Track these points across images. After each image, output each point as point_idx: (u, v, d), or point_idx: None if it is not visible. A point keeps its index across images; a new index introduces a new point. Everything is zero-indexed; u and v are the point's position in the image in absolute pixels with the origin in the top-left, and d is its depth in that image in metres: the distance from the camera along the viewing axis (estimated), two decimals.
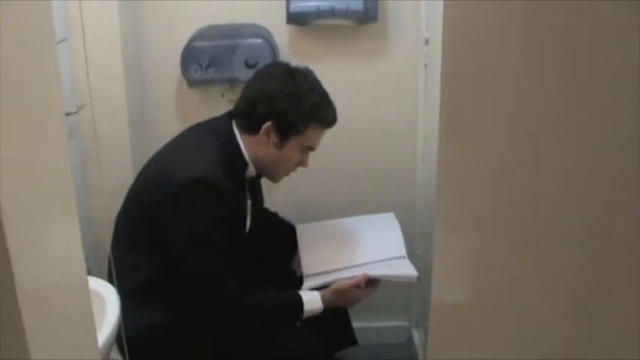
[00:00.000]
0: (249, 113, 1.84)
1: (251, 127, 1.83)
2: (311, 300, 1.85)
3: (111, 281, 1.81)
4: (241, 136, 1.84)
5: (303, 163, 1.92)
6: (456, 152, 0.86)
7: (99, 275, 2.01)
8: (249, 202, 1.94)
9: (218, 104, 2.00)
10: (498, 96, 0.69)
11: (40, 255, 0.82)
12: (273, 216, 2.24)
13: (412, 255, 2.05)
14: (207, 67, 2.20)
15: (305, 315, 1.84)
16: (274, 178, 1.96)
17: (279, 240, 2.16)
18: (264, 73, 1.90)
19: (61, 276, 0.92)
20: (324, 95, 1.88)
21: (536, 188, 0.60)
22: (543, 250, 0.59)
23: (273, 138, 1.82)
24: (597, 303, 0.51)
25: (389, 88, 2.38)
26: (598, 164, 0.49)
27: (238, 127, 1.85)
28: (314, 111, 1.82)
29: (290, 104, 1.80)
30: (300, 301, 1.83)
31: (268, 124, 1.81)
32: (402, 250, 2.03)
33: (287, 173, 1.94)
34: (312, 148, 1.90)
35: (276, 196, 2.31)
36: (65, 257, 0.93)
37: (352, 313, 2.19)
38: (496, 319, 0.74)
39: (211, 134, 1.84)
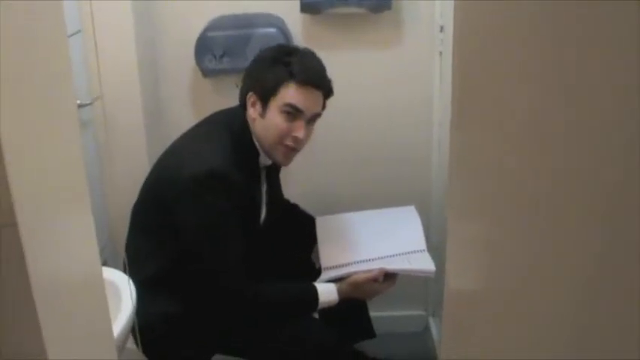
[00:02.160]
0: (240, 92, 1.87)
1: (245, 106, 1.84)
2: (326, 291, 1.85)
3: (126, 271, 1.83)
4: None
5: (296, 130, 1.79)
6: (467, 140, 0.86)
7: (115, 265, 2.02)
8: (264, 191, 1.94)
9: (232, 94, 2.00)
10: (510, 84, 0.68)
11: (54, 249, 0.82)
12: (294, 208, 2.24)
13: (428, 243, 2.04)
14: (222, 57, 2.20)
15: (320, 306, 1.84)
16: (276, 156, 1.85)
17: (299, 232, 2.16)
18: (259, 54, 1.92)
19: (76, 270, 0.92)
20: (305, 58, 1.83)
21: (549, 177, 0.59)
22: (555, 238, 0.59)
23: (258, 108, 1.81)
24: (611, 292, 0.50)
25: (404, 76, 2.36)
26: (611, 152, 0.49)
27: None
28: (286, 68, 1.78)
29: (265, 68, 1.81)
30: (315, 293, 1.83)
31: (250, 93, 1.82)
32: (422, 243, 2.02)
33: (286, 149, 1.82)
34: (293, 108, 1.78)
35: (293, 187, 2.31)
36: (80, 251, 0.93)
37: (368, 303, 2.19)
38: (509, 308, 0.73)
39: (224, 124, 1.84)
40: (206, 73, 2.25)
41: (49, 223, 0.81)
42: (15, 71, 0.71)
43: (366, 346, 2.36)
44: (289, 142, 1.81)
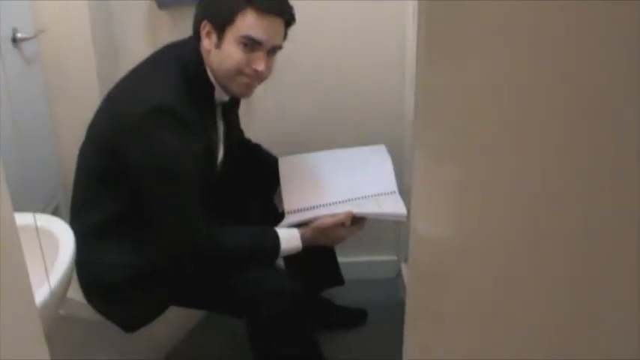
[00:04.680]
0: (194, 21, 1.70)
1: (198, 36, 1.68)
2: (289, 238, 1.72)
3: (74, 218, 1.70)
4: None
5: (255, 63, 1.63)
6: (435, 75, 0.76)
7: (67, 213, 1.90)
8: (220, 130, 1.79)
9: (190, 26, 1.85)
10: (483, 11, 0.58)
11: None
12: (256, 148, 2.10)
13: (400, 187, 1.93)
14: None
15: (282, 254, 1.72)
16: (234, 88, 1.69)
17: (261, 173, 2.02)
18: None
19: None
20: None
21: (525, 113, 0.51)
22: (532, 181, 0.51)
23: (213, 38, 1.65)
24: (596, 244, 0.43)
25: (377, 16, 2.24)
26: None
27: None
28: None
29: None
30: (276, 239, 1.70)
31: (204, 22, 1.65)
32: (392, 184, 1.90)
33: (244, 81, 1.67)
34: (252, 40, 1.61)
35: (257, 127, 2.18)
36: None
37: (338, 248, 2.09)
38: (483, 256, 0.65)
39: (175, 57, 1.67)
40: (161, 4, 2.12)
41: None
42: None
43: (335, 294, 2.29)
44: (248, 72, 1.65)
